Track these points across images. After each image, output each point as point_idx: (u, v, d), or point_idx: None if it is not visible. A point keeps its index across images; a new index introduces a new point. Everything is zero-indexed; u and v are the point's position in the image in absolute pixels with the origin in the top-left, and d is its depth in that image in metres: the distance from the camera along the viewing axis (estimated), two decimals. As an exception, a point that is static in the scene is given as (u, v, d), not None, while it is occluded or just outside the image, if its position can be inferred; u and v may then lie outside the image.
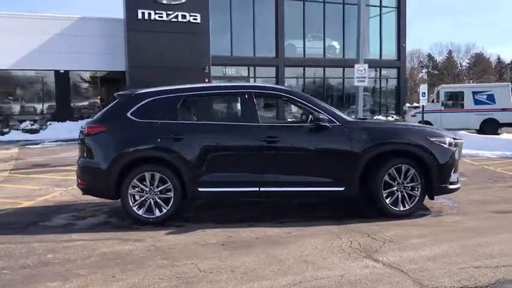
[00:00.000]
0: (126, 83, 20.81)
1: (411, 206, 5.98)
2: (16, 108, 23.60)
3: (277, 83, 25.48)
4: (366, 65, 14.12)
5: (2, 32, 20.96)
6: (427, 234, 5.23)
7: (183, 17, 21.46)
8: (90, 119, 6.69)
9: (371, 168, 5.90)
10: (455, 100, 20.71)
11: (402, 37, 27.79)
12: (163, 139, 5.85)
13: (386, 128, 6.37)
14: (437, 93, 20.42)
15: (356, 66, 14.01)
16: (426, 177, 5.96)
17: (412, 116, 19.95)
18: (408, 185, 5.96)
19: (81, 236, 5.48)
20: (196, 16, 21.59)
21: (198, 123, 6.13)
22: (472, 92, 20.43)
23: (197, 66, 21.21)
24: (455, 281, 3.89)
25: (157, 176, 5.85)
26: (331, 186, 5.93)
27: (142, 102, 6.07)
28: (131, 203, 5.85)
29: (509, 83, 22.10)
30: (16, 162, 13.21)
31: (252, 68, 25.26)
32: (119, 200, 5.96)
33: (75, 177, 6.41)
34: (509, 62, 61.78)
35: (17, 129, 21.65)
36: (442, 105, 20.11)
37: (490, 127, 19.53)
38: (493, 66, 66.45)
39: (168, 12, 21.22)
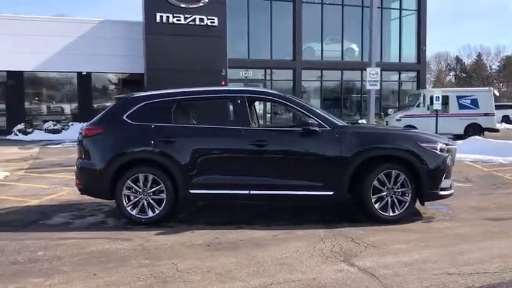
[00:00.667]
0: (144, 85, 21.19)
1: (401, 211, 5.98)
2: (40, 109, 24.30)
3: (294, 86, 25.56)
4: (378, 69, 14.07)
5: (28, 35, 21.68)
6: (412, 240, 5.24)
7: (201, 20, 21.72)
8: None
9: (360, 173, 5.93)
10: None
11: (422, 40, 27.45)
12: (157, 142, 6.02)
13: (376, 133, 6.40)
14: (423, 97, 20.07)
15: (368, 69, 13.98)
16: (417, 183, 5.96)
17: (397, 120, 19.52)
18: (398, 190, 5.97)
19: (75, 234, 5.69)
20: (213, 19, 21.84)
21: (190, 126, 6.27)
22: (457, 97, 20.17)
23: (214, 69, 21.45)
24: (424, 287, 3.92)
25: (151, 177, 6.02)
26: (320, 190, 5.98)
27: (138, 106, 6.26)
28: (125, 204, 6.03)
29: (491, 88, 21.73)
30: (34, 161, 13.63)
31: (268, 71, 25.36)
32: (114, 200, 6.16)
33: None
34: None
35: (40, 129, 22.25)
36: (428, 110, 19.79)
37: (473, 132, 19.23)
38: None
39: (186, 16, 21.53)
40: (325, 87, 27.10)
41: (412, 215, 6.24)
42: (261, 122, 21.94)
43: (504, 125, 27.34)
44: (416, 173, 5.93)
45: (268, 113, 24.80)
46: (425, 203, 6.77)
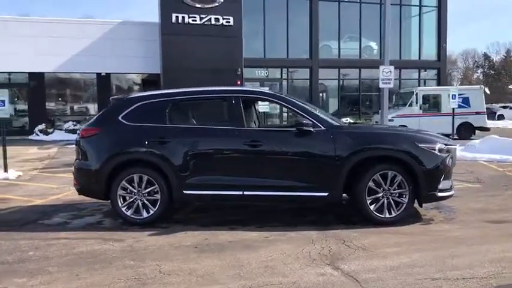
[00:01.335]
0: (161, 85, 21.34)
1: (398, 213, 5.84)
2: (61, 109, 24.76)
3: (310, 85, 25.35)
4: (392, 67, 13.81)
5: (49, 36, 22.10)
6: (404, 243, 5.11)
7: (216, 20, 21.74)
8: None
9: (355, 174, 5.81)
10: (432, 103, 19.88)
11: (443, 37, 26.82)
12: (151, 142, 6.02)
13: (372, 133, 6.25)
14: (416, 96, 19.54)
15: (381, 67, 13.74)
16: (414, 184, 5.81)
17: (389, 120, 18.94)
18: (395, 191, 5.83)
19: (69, 234, 5.75)
20: (229, 19, 21.83)
21: (183, 126, 6.25)
22: (449, 96, 19.66)
23: (230, 68, 21.44)
24: (404, 292, 3.80)
25: (145, 178, 6.03)
26: (315, 191, 5.89)
27: (133, 106, 6.28)
28: (120, 204, 6.06)
29: (482, 86, 21.03)
30: (50, 161, 13.89)
31: (285, 70, 25.22)
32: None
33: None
34: None
35: (61, 130, 22.64)
36: (420, 109, 19.31)
37: (465, 131, 18.75)
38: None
39: (202, 16, 21.58)
40: (342, 85, 26.79)
41: (411, 217, 6.09)
42: (262, 122, 21.87)
43: None
44: (413, 174, 5.78)
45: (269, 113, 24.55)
46: (429, 204, 6.66)
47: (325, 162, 5.84)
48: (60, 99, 24.89)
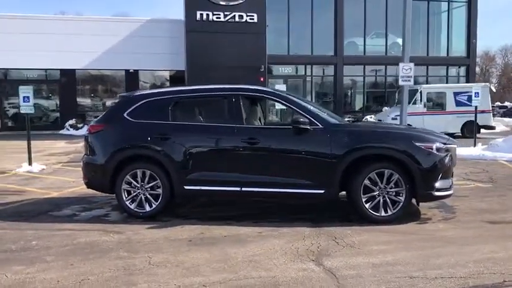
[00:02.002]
0: (185, 82, 21.69)
1: (394, 211, 5.85)
2: (91, 105, 25.48)
3: (335, 82, 25.21)
4: (412, 64, 13.60)
5: (80, 34, 22.79)
6: (394, 241, 5.13)
7: (240, 17, 21.91)
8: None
9: (351, 172, 5.85)
10: (437, 101, 19.31)
11: (473, 33, 26.18)
12: (153, 138, 6.24)
13: (370, 131, 6.25)
14: (420, 94, 18.99)
15: (401, 64, 13.57)
16: (411, 183, 5.80)
17: (393, 119, 18.46)
18: (392, 190, 5.84)
19: (74, 226, 6.02)
20: (253, 16, 21.96)
21: (184, 123, 6.41)
22: (454, 93, 19.07)
23: (254, 65, 21.59)
24: (379, 289, 3.86)
25: (148, 173, 6.25)
26: (311, 188, 5.97)
27: (138, 103, 6.50)
28: (124, 198, 6.30)
29: (488, 83, 20.21)
30: (75, 155, 14.32)
31: (309, 67, 25.16)
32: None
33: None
34: None
35: (89, 125, 23.30)
36: (424, 107, 18.81)
37: (470, 130, 18.01)
38: None
39: (226, 13, 21.79)
40: (367, 82, 26.53)
41: (409, 216, 6.09)
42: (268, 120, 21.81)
43: None
44: (410, 173, 5.77)
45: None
46: (431, 203, 6.65)
47: (321, 160, 5.90)
48: (90, 95, 25.61)
